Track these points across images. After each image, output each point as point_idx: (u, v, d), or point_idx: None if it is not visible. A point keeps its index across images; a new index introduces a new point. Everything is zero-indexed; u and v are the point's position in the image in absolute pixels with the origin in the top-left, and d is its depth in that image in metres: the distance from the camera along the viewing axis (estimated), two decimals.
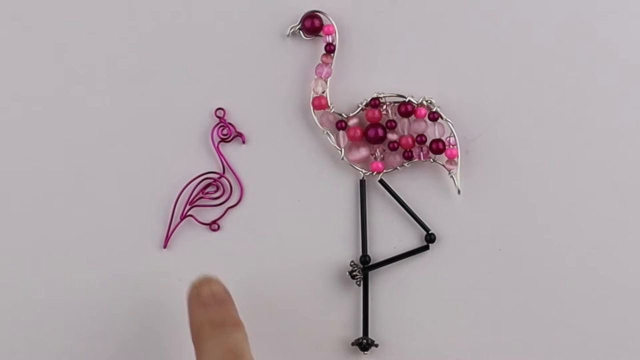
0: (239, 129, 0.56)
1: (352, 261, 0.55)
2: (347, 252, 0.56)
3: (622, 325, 0.56)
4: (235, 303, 0.51)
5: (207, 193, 0.56)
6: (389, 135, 0.55)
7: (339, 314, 0.55)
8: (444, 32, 0.56)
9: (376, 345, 0.55)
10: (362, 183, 0.55)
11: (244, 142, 0.56)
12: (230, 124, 0.55)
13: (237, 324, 0.48)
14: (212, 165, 0.56)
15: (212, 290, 0.50)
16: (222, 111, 0.55)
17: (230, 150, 0.56)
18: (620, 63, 0.56)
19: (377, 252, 0.56)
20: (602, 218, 0.56)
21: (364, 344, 0.54)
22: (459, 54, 0.56)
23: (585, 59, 0.56)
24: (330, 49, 0.55)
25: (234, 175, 0.56)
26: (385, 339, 0.55)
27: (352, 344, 0.55)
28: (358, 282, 0.55)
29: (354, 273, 0.55)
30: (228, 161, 0.56)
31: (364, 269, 0.55)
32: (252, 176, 0.56)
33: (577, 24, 0.56)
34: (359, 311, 0.55)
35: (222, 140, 0.55)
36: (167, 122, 0.56)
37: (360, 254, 0.55)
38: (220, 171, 0.56)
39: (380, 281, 0.56)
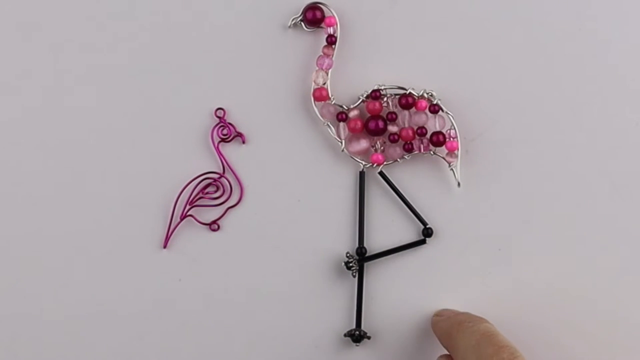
0: (239, 129, 0.56)
1: (347, 252, 0.55)
2: (345, 244, 0.55)
3: (622, 323, 0.55)
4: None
5: (207, 193, 0.55)
6: (390, 127, 0.55)
7: (334, 305, 0.55)
8: (445, 25, 0.56)
9: (368, 338, 0.55)
10: (362, 175, 0.55)
11: (244, 142, 0.56)
12: (230, 124, 0.55)
13: (482, 320, 0.49)
14: (212, 165, 0.56)
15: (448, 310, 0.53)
16: (222, 111, 0.55)
17: (230, 150, 0.56)
18: (620, 63, 0.56)
19: (375, 244, 0.55)
20: (602, 218, 0.56)
21: (357, 335, 0.54)
22: (460, 49, 0.56)
23: (585, 59, 0.56)
24: (331, 40, 0.55)
25: (234, 175, 0.55)
26: (378, 332, 0.55)
27: (345, 335, 0.55)
28: (354, 274, 0.55)
29: (350, 264, 0.54)
30: (228, 161, 0.55)
31: (359, 260, 0.55)
32: (252, 176, 0.56)
33: (577, 24, 0.56)
34: (354, 302, 0.55)
35: (222, 140, 0.55)
36: (167, 122, 0.56)
37: (357, 245, 0.55)
38: (220, 171, 0.55)
39: (376, 273, 0.55)
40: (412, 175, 0.55)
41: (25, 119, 0.56)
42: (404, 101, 0.55)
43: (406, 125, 0.55)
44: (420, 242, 0.55)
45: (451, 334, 0.49)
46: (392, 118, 0.55)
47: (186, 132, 0.56)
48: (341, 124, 0.55)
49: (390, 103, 0.55)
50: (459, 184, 0.55)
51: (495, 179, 0.55)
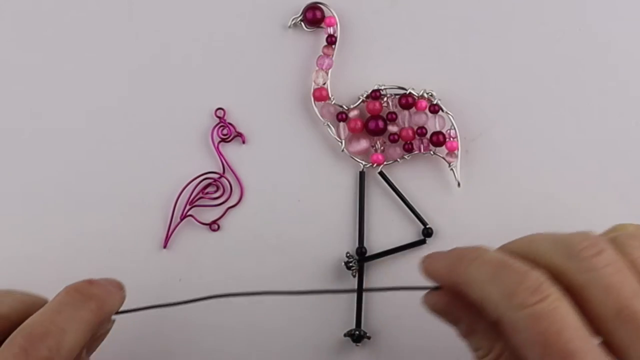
0: (239, 129, 0.55)
1: (347, 252, 0.55)
2: (345, 244, 0.55)
3: None
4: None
5: (207, 193, 0.55)
6: (390, 127, 0.55)
7: (334, 305, 0.55)
8: (445, 25, 0.56)
9: (368, 338, 0.55)
10: (362, 175, 0.55)
11: (244, 142, 0.56)
12: (230, 124, 0.55)
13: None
14: (212, 165, 0.56)
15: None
16: (222, 111, 0.55)
17: (230, 150, 0.56)
18: (620, 63, 0.56)
19: (375, 244, 0.55)
20: (602, 218, 0.54)
21: (357, 335, 0.54)
22: (460, 49, 0.56)
23: (585, 59, 0.56)
24: (331, 40, 0.55)
25: (234, 175, 0.55)
26: (378, 332, 0.55)
27: (345, 335, 0.55)
28: (354, 274, 0.54)
29: (350, 264, 0.54)
30: (228, 161, 0.55)
31: (359, 260, 0.55)
32: (252, 176, 0.56)
33: (577, 24, 0.56)
34: (354, 302, 0.55)
35: (222, 140, 0.55)
36: (167, 122, 0.56)
37: (357, 245, 0.55)
38: (220, 171, 0.55)
39: (376, 273, 0.55)
40: (412, 175, 0.55)
41: (25, 119, 0.56)
42: (404, 101, 0.55)
43: (406, 125, 0.55)
44: (420, 242, 0.55)
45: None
46: (392, 118, 0.55)
47: (186, 132, 0.56)
48: (341, 124, 0.55)
49: (390, 103, 0.55)
50: (459, 184, 0.55)
51: (495, 179, 0.55)
